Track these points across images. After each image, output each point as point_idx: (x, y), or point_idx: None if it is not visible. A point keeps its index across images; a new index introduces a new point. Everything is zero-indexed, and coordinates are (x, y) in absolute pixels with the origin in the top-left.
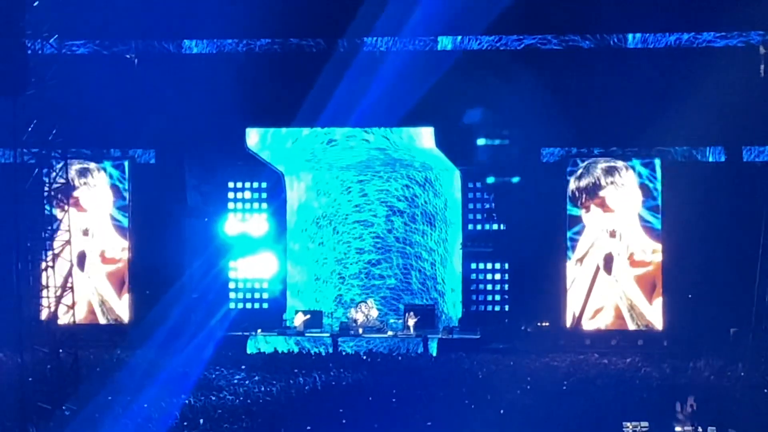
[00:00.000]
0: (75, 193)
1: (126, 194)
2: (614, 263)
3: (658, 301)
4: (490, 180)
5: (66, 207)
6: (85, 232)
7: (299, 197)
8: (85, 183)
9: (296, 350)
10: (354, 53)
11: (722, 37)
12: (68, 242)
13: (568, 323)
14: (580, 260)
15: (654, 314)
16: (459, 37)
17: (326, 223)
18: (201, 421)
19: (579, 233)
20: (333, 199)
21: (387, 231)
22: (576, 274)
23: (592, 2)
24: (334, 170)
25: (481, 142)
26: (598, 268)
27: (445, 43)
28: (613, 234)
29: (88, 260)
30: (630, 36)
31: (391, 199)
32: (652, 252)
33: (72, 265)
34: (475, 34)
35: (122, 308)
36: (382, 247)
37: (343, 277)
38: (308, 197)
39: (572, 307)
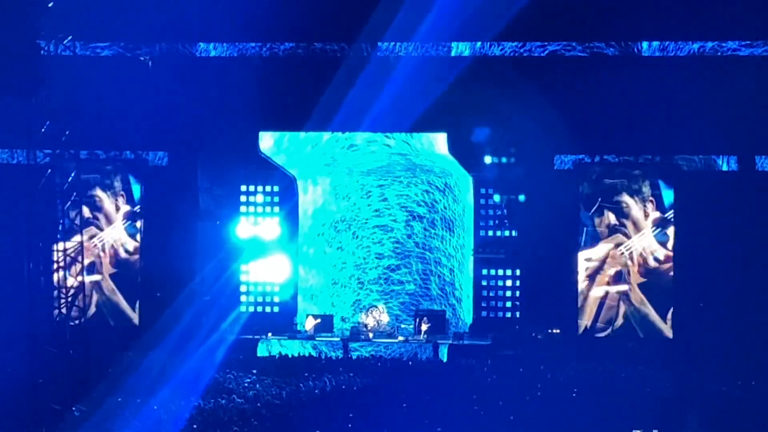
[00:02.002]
0: (87, 195)
1: (138, 197)
2: (625, 278)
3: (670, 315)
4: (497, 198)
5: (78, 208)
6: (98, 238)
7: (315, 201)
8: (97, 186)
9: (309, 354)
10: (376, 58)
11: (747, 46)
12: (80, 243)
13: (580, 331)
14: (591, 277)
15: (666, 327)
16: (479, 43)
17: (345, 228)
18: (210, 423)
19: (591, 247)
20: (353, 204)
21: (407, 236)
22: (587, 290)
23: (616, 9)
24: (355, 174)
25: (487, 160)
26: (609, 285)
27: (462, 48)
28: (622, 254)
29: (98, 263)
30: (646, 44)
31: (411, 204)
32: (664, 262)
33: (84, 266)
34: (497, 41)
35: (133, 311)
36: (402, 253)
37: (362, 282)
38: (325, 201)
39: (584, 319)
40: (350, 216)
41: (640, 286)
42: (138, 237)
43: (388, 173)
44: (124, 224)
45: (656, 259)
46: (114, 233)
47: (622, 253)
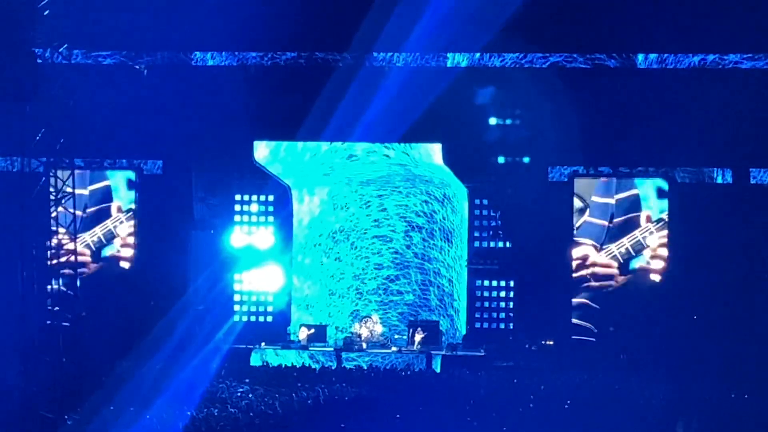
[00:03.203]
0: (81, 203)
1: (132, 205)
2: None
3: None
4: (501, 160)
5: (72, 216)
6: (92, 246)
7: (311, 211)
8: (91, 194)
9: (303, 364)
10: (376, 68)
11: (749, 59)
12: (74, 251)
13: (573, 342)
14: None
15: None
16: (477, 54)
17: (343, 238)
18: None
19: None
20: (351, 214)
21: (406, 246)
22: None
23: (618, 21)
24: (354, 184)
25: (492, 121)
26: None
27: (459, 59)
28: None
29: (92, 271)
30: (643, 56)
31: (410, 214)
32: (655, 273)
33: (77, 274)
34: (497, 51)
35: (126, 320)
36: (401, 263)
37: (361, 292)
38: (322, 211)
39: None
40: (349, 226)
41: (629, 294)
42: (132, 245)
43: (388, 183)
44: (117, 232)
45: (647, 269)
46: (107, 241)
47: (612, 262)
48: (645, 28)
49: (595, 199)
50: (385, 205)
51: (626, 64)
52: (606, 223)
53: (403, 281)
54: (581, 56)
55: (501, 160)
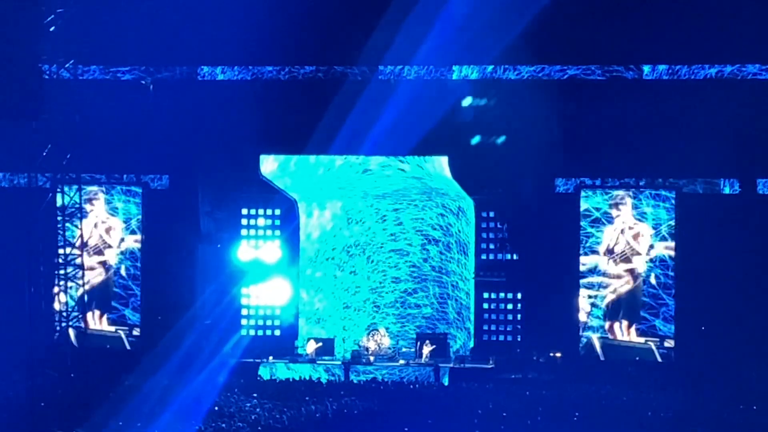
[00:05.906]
0: (88, 218)
1: (139, 219)
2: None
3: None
4: (476, 140)
5: (79, 231)
6: (99, 261)
7: (322, 225)
8: (98, 209)
9: (311, 377)
10: (393, 81)
11: (766, 70)
12: (81, 266)
13: (581, 354)
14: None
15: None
16: (491, 66)
17: (359, 252)
18: None
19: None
20: (367, 228)
21: (423, 260)
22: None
23: (636, 33)
24: (369, 198)
25: (466, 102)
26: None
27: (466, 71)
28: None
29: (99, 285)
30: (647, 68)
31: (426, 227)
32: (662, 285)
33: (84, 289)
34: (513, 64)
35: (134, 335)
36: (418, 276)
37: (378, 306)
38: (335, 225)
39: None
40: (364, 240)
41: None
42: (138, 260)
43: (404, 197)
44: (124, 247)
45: (655, 282)
46: (114, 256)
47: (623, 283)
48: (664, 40)
49: None
50: (401, 218)
51: (642, 75)
52: None
53: (421, 294)
54: (599, 68)
55: (476, 139)
